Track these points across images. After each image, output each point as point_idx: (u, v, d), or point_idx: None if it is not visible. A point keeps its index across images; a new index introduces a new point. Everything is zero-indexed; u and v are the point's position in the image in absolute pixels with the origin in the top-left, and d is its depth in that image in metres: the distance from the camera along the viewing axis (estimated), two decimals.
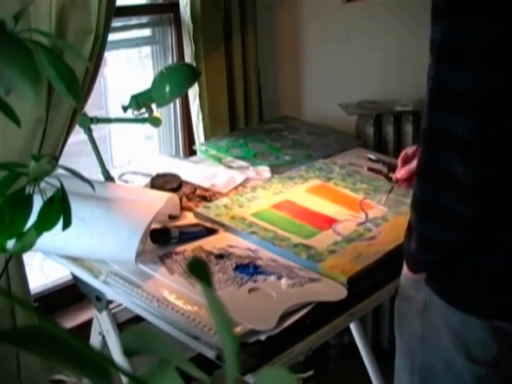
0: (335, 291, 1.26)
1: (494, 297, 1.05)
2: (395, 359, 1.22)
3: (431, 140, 0.99)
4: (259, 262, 1.34)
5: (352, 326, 1.89)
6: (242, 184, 1.76)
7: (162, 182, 1.60)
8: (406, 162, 1.38)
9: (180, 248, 1.38)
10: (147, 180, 1.66)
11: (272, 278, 1.28)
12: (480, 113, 0.91)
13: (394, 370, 1.22)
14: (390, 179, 1.68)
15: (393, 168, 1.81)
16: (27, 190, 0.76)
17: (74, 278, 1.41)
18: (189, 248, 1.38)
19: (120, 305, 1.48)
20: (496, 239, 1.03)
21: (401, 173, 1.39)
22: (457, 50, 0.92)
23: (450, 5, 0.92)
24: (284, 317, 1.16)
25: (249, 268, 1.31)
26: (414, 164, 1.35)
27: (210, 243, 1.41)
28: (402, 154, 1.42)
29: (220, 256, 1.36)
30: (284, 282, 1.26)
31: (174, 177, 1.63)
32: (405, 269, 1.15)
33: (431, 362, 1.11)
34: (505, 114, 0.92)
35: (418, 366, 1.14)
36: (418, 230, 1.05)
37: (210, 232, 1.46)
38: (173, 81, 1.68)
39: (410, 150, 1.39)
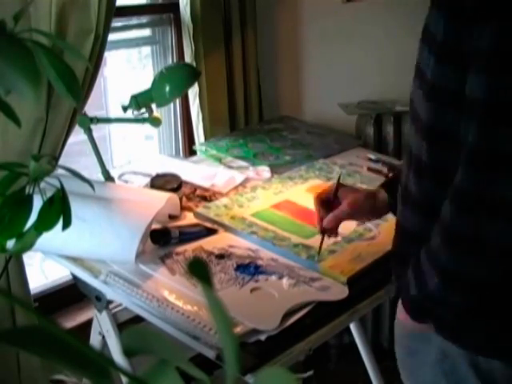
0: (337, 290, 1.25)
1: None
2: None
3: (472, 204, 0.86)
4: (260, 262, 1.34)
5: (352, 326, 1.89)
6: (242, 184, 1.76)
7: (162, 182, 1.59)
8: (325, 204, 1.27)
9: (180, 248, 1.38)
10: (147, 180, 1.66)
11: (273, 277, 1.28)
12: None
13: None
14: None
15: (392, 169, 1.81)
16: (27, 190, 0.76)
17: (74, 278, 1.41)
18: (189, 248, 1.38)
19: (120, 305, 1.48)
20: None
21: (328, 221, 1.25)
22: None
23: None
24: (284, 316, 1.16)
25: (250, 268, 1.31)
26: (342, 209, 1.23)
27: (210, 243, 1.41)
28: (316, 195, 1.29)
29: (221, 256, 1.36)
30: (285, 281, 1.26)
31: (174, 177, 1.63)
32: (403, 317, 1.03)
33: None
34: None
35: None
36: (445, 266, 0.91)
37: (210, 232, 1.46)
38: (173, 81, 1.68)
39: (324, 191, 1.29)
